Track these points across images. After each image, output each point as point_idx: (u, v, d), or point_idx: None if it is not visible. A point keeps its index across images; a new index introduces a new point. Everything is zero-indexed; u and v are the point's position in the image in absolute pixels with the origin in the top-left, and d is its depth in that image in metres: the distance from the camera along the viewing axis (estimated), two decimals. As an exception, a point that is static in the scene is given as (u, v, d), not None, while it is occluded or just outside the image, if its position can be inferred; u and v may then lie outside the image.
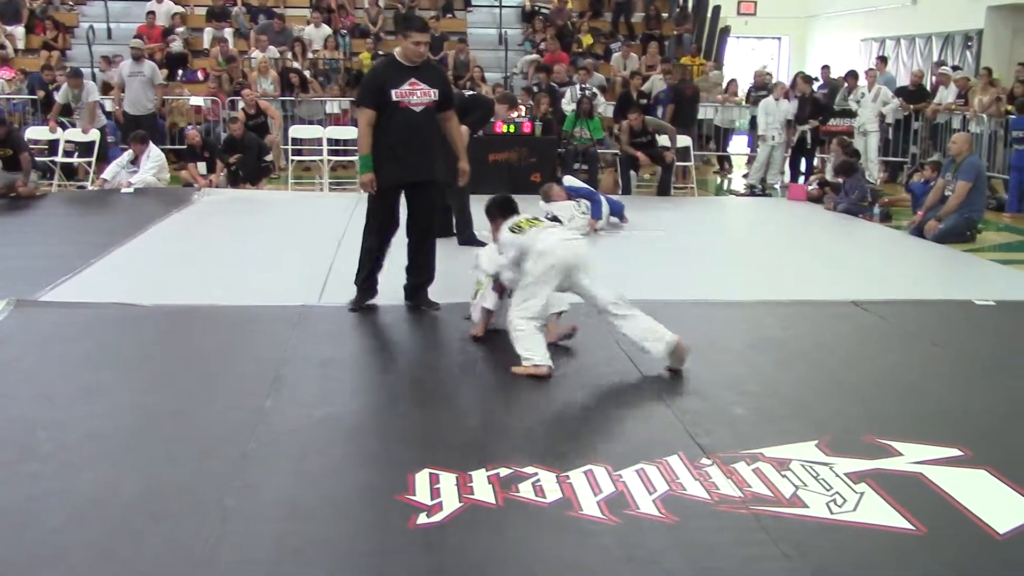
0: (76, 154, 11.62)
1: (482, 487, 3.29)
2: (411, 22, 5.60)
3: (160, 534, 2.95)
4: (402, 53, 5.52)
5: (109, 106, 12.52)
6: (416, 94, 5.46)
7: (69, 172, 11.76)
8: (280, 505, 3.17)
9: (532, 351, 4.47)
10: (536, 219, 5.01)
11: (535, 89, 12.79)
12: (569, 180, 9.39)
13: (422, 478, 3.34)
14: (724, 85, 15.01)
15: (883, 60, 15.25)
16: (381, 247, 5.71)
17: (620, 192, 11.52)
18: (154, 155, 10.65)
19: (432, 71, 5.70)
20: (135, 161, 10.58)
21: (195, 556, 2.81)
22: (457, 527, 3.03)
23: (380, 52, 14.28)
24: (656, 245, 8.26)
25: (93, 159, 11.45)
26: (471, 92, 11.45)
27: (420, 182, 5.63)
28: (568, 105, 12.56)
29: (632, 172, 11.73)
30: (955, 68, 14.21)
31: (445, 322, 5.52)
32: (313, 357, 4.81)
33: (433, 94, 5.52)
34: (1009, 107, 11.51)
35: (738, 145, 15.54)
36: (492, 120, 10.14)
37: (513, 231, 4.78)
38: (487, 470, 3.41)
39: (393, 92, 5.41)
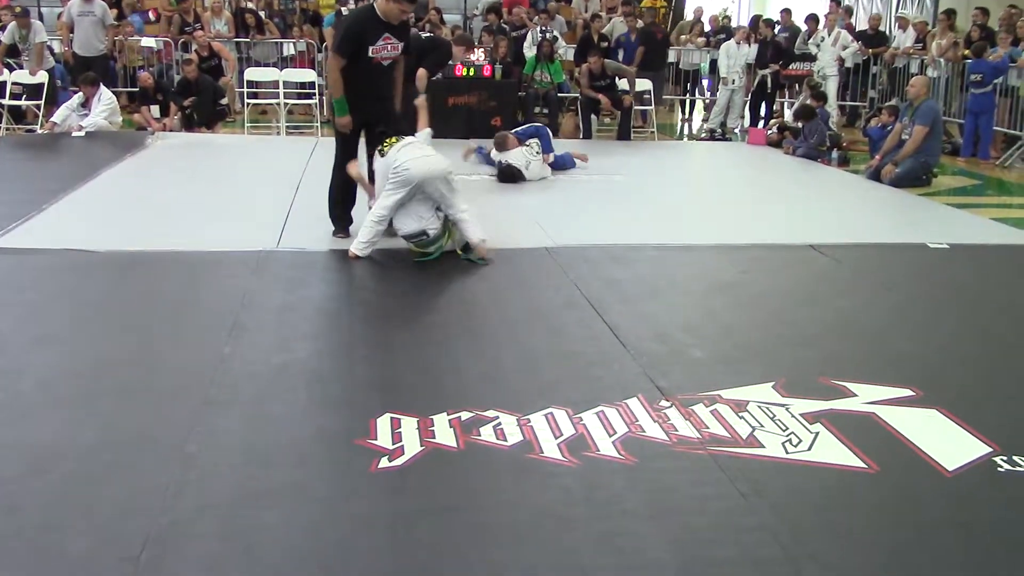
0: (24, 96, 11.31)
1: (443, 431, 3.30)
2: None
3: (119, 482, 2.94)
4: (383, 9, 5.70)
5: (57, 48, 12.18)
6: (387, 48, 5.78)
7: (17, 115, 11.46)
8: (241, 451, 3.16)
9: (361, 239, 5.56)
10: (397, 138, 5.66)
11: (492, 31, 12.64)
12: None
13: (383, 423, 3.34)
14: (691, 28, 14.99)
15: (848, 11, 15.19)
16: (349, 184, 6.05)
17: (581, 136, 11.49)
18: (105, 98, 10.39)
19: (403, 24, 5.92)
20: (86, 104, 10.32)
21: (155, 503, 2.80)
22: (419, 471, 3.04)
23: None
24: (615, 189, 8.26)
25: (42, 102, 11.16)
26: (428, 34, 11.29)
27: (381, 120, 5.87)
28: (529, 49, 12.44)
29: (592, 116, 11.68)
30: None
31: (404, 266, 5.50)
32: (272, 302, 4.78)
33: (400, 47, 5.84)
34: (967, 51, 11.59)
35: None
36: (452, 63, 10.02)
37: (380, 154, 5.61)
38: (448, 414, 3.42)
39: (370, 48, 5.70)
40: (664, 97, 12.56)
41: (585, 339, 4.32)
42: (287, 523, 2.74)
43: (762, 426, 3.41)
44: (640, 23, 12.97)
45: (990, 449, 3.26)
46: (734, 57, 12.61)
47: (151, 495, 2.84)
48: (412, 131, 5.95)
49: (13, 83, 11.24)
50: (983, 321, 4.87)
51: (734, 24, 16.20)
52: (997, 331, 4.72)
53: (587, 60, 11.43)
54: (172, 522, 2.71)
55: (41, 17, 13.22)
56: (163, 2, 14.00)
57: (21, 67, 11.42)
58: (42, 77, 11.24)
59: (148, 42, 12.96)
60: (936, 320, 4.87)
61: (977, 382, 3.99)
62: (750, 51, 12.71)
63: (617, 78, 11.48)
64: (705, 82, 15.33)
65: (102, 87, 10.48)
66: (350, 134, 5.94)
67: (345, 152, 6.02)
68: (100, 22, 11.66)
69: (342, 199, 6.10)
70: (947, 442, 3.33)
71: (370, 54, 5.70)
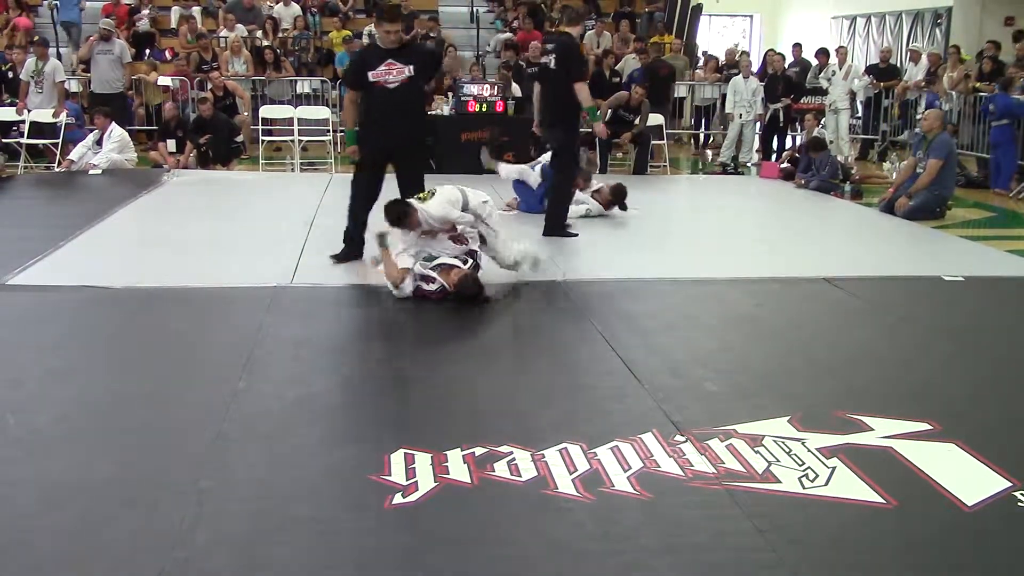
0: (24, 135, 11.28)
1: (457, 467, 3.29)
2: (381, 12, 6.28)
3: (134, 517, 2.93)
4: (379, 38, 6.22)
5: (75, 87, 12.31)
6: (392, 73, 6.07)
7: (34, 153, 11.55)
8: (255, 486, 3.16)
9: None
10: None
11: (510, 67, 12.73)
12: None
13: (397, 458, 3.34)
14: (701, 62, 15.08)
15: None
16: (359, 214, 6.30)
17: (597, 171, 11.52)
18: (115, 134, 10.44)
19: (409, 51, 6.23)
20: (100, 141, 10.42)
21: (170, 538, 2.79)
22: (433, 507, 3.03)
23: (361, 32, 14.31)
24: (628, 223, 8.27)
25: (60, 140, 11.27)
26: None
27: (400, 148, 6.18)
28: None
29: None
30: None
31: (416, 301, 5.50)
32: (286, 338, 4.79)
33: (408, 70, 6.08)
34: (978, 84, 11.59)
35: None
36: (464, 99, 10.07)
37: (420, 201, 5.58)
38: (462, 449, 3.41)
39: (370, 74, 6.07)
40: (668, 131, 12.60)
41: (599, 373, 4.31)
42: (301, 558, 2.73)
43: (778, 461, 3.38)
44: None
45: (1010, 483, 3.23)
46: (740, 91, 12.67)
47: (166, 530, 2.84)
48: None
49: (24, 122, 11.26)
50: (1000, 354, 4.84)
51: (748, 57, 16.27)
52: (1014, 364, 4.68)
53: (602, 96, 11.47)
54: (187, 558, 2.70)
55: (59, 55, 13.38)
56: (181, 40, 14.16)
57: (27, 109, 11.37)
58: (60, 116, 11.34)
59: (165, 80, 13.11)
60: (952, 353, 4.84)
61: (995, 416, 3.95)
62: (758, 85, 12.75)
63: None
64: (717, 117, 15.38)
65: (113, 123, 10.54)
66: (366, 167, 6.24)
67: (358, 185, 6.30)
68: (118, 60, 11.80)
69: (352, 229, 6.33)
70: (966, 477, 3.30)
71: (371, 79, 6.05)
